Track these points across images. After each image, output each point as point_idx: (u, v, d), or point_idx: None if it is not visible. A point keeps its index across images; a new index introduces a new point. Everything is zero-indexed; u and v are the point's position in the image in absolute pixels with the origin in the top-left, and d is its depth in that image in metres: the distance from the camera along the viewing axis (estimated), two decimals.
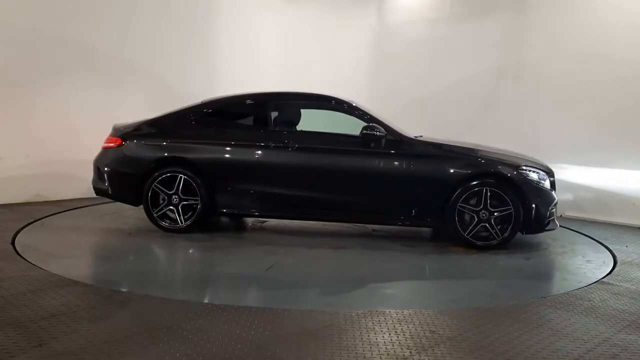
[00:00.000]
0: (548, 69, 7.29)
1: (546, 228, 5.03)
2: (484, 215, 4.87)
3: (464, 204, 4.90)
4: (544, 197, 4.94)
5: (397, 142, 5.08)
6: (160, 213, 5.17)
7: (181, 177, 5.10)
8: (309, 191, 5.13)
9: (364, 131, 5.04)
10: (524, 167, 4.96)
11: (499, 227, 4.88)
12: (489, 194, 4.85)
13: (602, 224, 6.55)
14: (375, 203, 5.15)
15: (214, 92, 7.41)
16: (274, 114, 5.50)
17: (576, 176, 6.69)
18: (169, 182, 5.13)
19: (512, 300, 3.61)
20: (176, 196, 5.12)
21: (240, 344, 2.69)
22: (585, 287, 3.94)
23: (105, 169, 5.31)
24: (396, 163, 5.05)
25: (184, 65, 7.99)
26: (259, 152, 5.12)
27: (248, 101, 5.55)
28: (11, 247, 4.47)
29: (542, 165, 5.22)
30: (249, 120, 5.57)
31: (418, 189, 4.99)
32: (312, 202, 5.15)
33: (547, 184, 5.04)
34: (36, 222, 5.46)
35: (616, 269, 4.50)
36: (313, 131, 5.39)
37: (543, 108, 7.31)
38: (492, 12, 7.99)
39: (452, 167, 4.97)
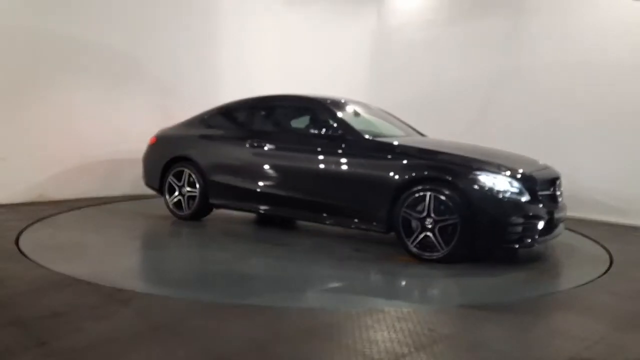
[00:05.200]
0: (547, 71, 7.32)
1: (514, 245, 4.32)
2: (429, 223, 4.35)
3: (410, 210, 4.42)
4: (502, 208, 4.23)
5: (351, 142, 4.87)
6: (174, 202, 5.90)
7: (187, 171, 5.79)
8: (274, 188, 5.26)
9: (311, 130, 5.11)
10: (476, 173, 4.30)
11: (444, 238, 4.29)
12: (433, 200, 4.31)
13: (599, 224, 6.57)
14: (329, 203, 4.93)
15: (215, 94, 7.49)
16: (257, 116, 5.78)
17: (574, 176, 6.70)
18: (181, 175, 5.87)
19: (510, 299, 3.64)
20: (184, 188, 5.81)
21: (242, 342, 2.72)
22: (582, 286, 3.96)
23: (144, 163, 6.29)
24: (346, 163, 4.82)
25: (186, 67, 8.02)
26: (236, 150, 5.53)
27: (236, 106, 5.96)
28: (15, 246, 4.49)
29: (518, 172, 4.43)
30: (236, 123, 5.94)
31: (364, 191, 4.69)
32: (276, 199, 5.26)
33: (517, 194, 4.28)
34: (39, 222, 5.50)
35: (613, 268, 4.52)
36: (286, 130, 5.66)
37: (542, 109, 7.34)
38: (490, 14, 8.01)
39: (399, 169, 4.53)
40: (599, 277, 4.23)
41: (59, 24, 6.72)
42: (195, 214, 5.80)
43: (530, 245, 4.39)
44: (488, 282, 4.11)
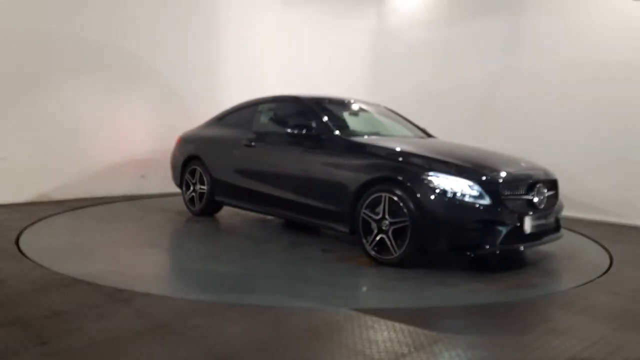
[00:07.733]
0: (545, 72, 7.32)
1: (470, 251, 4.06)
2: (385, 225, 4.22)
3: (369, 212, 4.31)
4: (455, 212, 4.01)
5: (326, 141, 4.83)
6: (189, 198, 6.32)
7: (198, 170, 6.16)
8: (258, 186, 5.43)
9: (287, 129, 5.11)
10: (429, 174, 4.10)
11: (397, 241, 4.15)
12: (387, 201, 4.18)
13: (599, 224, 6.58)
14: (302, 203, 4.93)
15: (217, 94, 7.51)
16: (253, 117, 5.89)
17: (574, 176, 6.71)
18: (195, 173, 6.24)
19: (510, 299, 3.65)
20: (197, 185, 6.18)
21: (243, 341, 2.73)
22: (582, 286, 3.97)
23: (170, 163, 6.70)
24: (314, 162, 4.84)
25: (187, 67, 8.02)
26: (232, 150, 5.78)
27: (239, 107, 6.17)
28: (15, 246, 4.50)
29: (479, 174, 4.16)
30: (236, 123, 6.05)
31: (330, 190, 4.66)
32: (259, 196, 5.43)
33: (475, 197, 4.03)
34: (40, 222, 5.51)
35: (612, 268, 4.53)
36: (273, 130, 5.68)
37: (540, 110, 7.34)
38: (490, 15, 8.01)
39: (360, 169, 4.45)
40: (598, 277, 4.24)
41: (61, 25, 6.72)
42: (204, 210, 6.16)
43: (490, 252, 4.08)
44: (487, 283, 4.11)
